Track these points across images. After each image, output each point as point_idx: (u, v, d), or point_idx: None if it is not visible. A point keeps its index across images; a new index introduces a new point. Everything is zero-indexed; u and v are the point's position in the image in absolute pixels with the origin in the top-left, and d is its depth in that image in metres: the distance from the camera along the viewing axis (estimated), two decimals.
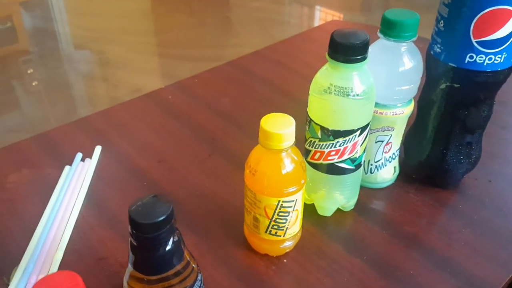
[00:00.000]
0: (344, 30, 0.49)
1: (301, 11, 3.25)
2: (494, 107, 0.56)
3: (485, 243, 0.55)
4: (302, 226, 0.54)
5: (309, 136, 0.53)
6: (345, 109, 0.50)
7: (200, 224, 0.57)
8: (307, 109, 0.53)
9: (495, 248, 0.54)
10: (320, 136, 0.52)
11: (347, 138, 0.51)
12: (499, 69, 0.51)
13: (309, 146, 0.54)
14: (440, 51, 0.53)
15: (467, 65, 0.51)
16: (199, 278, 0.43)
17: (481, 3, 0.48)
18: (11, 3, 3.05)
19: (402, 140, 0.61)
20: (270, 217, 0.49)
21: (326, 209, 0.58)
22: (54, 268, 0.51)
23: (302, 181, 0.49)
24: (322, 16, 3.11)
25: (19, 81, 2.30)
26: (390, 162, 0.60)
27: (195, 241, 0.54)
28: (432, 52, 0.55)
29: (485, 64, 0.51)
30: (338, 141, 0.51)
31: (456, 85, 0.53)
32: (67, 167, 0.64)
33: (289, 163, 0.47)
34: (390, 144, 0.59)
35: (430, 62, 0.55)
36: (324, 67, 0.51)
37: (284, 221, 0.50)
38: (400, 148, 0.61)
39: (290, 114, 0.47)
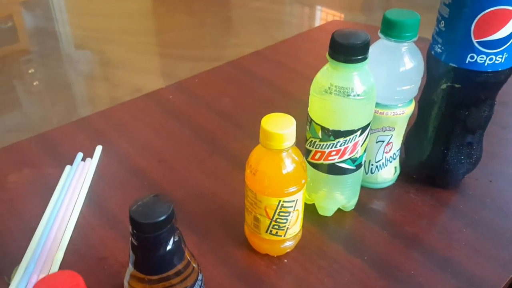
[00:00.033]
0: (344, 30, 0.49)
1: (301, 11, 3.25)
2: (495, 107, 0.56)
3: (485, 243, 0.55)
4: (303, 226, 0.54)
5: (309, 136, 0.53)
6: (346, 109, 0.50)
7: (201, 224, 0.57)
8: (308, 109, 0.53)
9: (495, 248, 0.54)
10: (320, 136, 0.52)
11: (347, 138, 0.51)
12: (500, 69, 0.51)
13: (309, 146, 0.54)
14: (441, 51, 0.53)
15: (468, 65, 0.51)
16: (199, 278, 0.43)
17: (481, 3, 0.48)
18: (11, 2, 3.05)
19: (402, 140, 0.61)
20: (271, 217, 0.49)
21: (327, 209, 0.58)
22: (55, 268, 0.51)
23: (303, 181, 0.49)
24: (323, 16, 3.11)
25: (19, 81, 2.30)
26: (390, 162, 0.60)
27: (195, 241, 0.54)
28: (432, 52, 0.55)
29: (486, 64, 0.51)
30: (338, 141, 0.51)
31: (457, 85, 0.53)
32: (67, 167, 0.64)
33: (289, 163, 0.47)
34: (391, 144, 0.59)
35: (431, 62, 0.55)
36: (324, 67, 0.51)
37: (284, 221, 0.50)
38: (400, 148, 0.61)
39: (290, 114, 0.47)
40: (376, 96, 0.51)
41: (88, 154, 0.67)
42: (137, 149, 0.69)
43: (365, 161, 0.59)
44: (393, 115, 0.56)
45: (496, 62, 0.50)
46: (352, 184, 0.56)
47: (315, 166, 0.54)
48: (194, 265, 0.43)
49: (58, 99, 2.15)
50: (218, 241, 0.55)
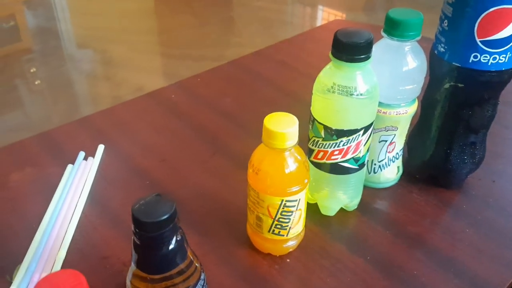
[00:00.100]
0: (348, 29, 0.49)
1: (303, 10, 3.25)
2: (498, 106, 0.56)
3: (489, 243, 0.55)
4: (305, 226, 0.54)
5: (312, 135, 0.53)
6: (349, 109, 0.49)
7: (203, 224, 0.57)
8: (311, 108, 0.53)
9: (499, 248, 0.54)
10: (323, 136, 0.51)
11: (350, 137, 0.51)
12: (503, 69, 0.51)
13: (312, 145, 0.54)
14: (444, 50, 0.53)
15: (471, 65, 0.51)
16: (202, 277, 0.43)
17: (485, 2, 0.48)
18: (14, 2, 3.05)
19: (405, 140, 0.61)
20: (273, 217, 0.49)
21: (329, 208, 0.58)
22: (57, 266, 0.51)
23: (306, 181, 0.49)
24: (325, 16, 3.11)
25: (21, 80, 2.30)
26: (393, 161, 0.60)
27: (198, 240, 0.54)
28: (436, 52, 0.54)
29: (489, 63, 0.50)
30: (341, 141, 0.51)
31: (460, 85, 0.53)
32: (69, 166, 0.64)
33: (292, 162, 0.47)
34: (394, 143, 0.59)
35: (434, 62, 0.55)
36: (327, 66, 0.51)
37: (287, 220, 0.50)
38: (403, 148, 0.61)
39: (293, 114, 0.47)
40: (379, 95, 0.51)
41: (90, 153, 0.67)
42: (139, 148, 0.69)
43: (368, 160, 0.58)
44: (396, 114, 0.56)
45: (500, 61, 0.50)
46: (354, 183, 0.56)
47: (318, 165, 0.54)
48: (196, 264, 0.43)
49: (60, 98, 2.16)
50: (221, 240, 0.55)
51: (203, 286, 0.43)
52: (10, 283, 0.49)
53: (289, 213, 0.49)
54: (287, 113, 0.47)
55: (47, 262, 0.51)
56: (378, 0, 3.36)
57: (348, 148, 0.51)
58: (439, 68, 0.54)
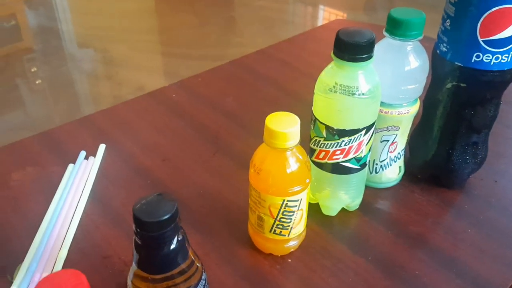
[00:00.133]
0: (349, 29, 0.49)
1: (304, 10, 3.25)
2: (501, 106, 0.56)
3: (491, 243, 0.54)
4: (307, 226, 0.54)
5: (314, 135, 0.53)
6: (351, 108, 0.49)
7: (204, 223, 0.57)
8: (312, 108, 0.53)
9: (501, 248, 0.54)
10: (325, 135, 0.51)
11: (352, 137, 0.51)
12: (506, 69, 0.51)
13: (314, 145, 0.53)
14: (446, 50, 0.53)
15: (474, 65, 0.51)
16: (203, 277, 0.43)
17: (488, 2, 0.48)
18: (15, 1, 3.05)
19: (407, 140, 0.60)
20: (275, 217, 0.49)
21: (331, 208, 0.57)
22: (58, 266, 0.51)
23: (307, 181, 0.49)
24: (326, 15, 3.11)
25: (23, 80, 2.30)
26: (395, 161, 0.60)
27: (199, 240, 0.54)
28: (438, 51, 0.54)
29: (491, 63, 0.50)
30: (343, 140, 0.51)
31: (462, 85, 0.53)
32: (70, 165, 0.64)
33: (294, 162, 0.47)
34: (396, 143, 0.59)
35: (436, 61, 0.55)
36: (329, 66, 0.50)
37: (288, 220, 0.49)
38: (405, 148, 0.61)
39: (294, 113, 0.47)
40: (381, 95, 0.51)
41: (91, 152, 0.67)
42: (141, 148, 0.69)
43: (369, 160, 0.58)
44: (398, 114, 0.56)
45: (502, 61, 0.50)
46: (356, 183, 0.56)
47: (320, 165, 0.54)
48: (197, 264, 0.43)
49: (61, 97, 2.16)
50: (222, 240, 0.55)
51: (204, 286, 0.43)
52: (11, 283, 0.49)
53: (291, 213, 0.49)
54: (289, 113, 0.47)
55: (48, 262, 0.51)
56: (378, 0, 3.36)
57: (350, 148, 0.51)
58: (441, 68, 0.54)
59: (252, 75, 0.88)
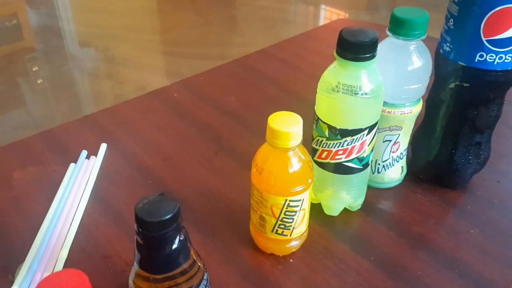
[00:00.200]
0: (352, 28, 0.48)
1: (306, 10, 3.24)
2: (504, 106, 0.56)
3: (493, 244, 0.54)
4: (309, 226, 0.53)
5: (316, 135, 0.53)
6: (353, 108, 0.49)
7: (206, 223, 0.57)
8: (315, 108, 0.52)
9: (503, 248, 0.54)
10: (327, 135, 0.51)
11: (354, 137, 0.50)
12: (509, 68, 0.50)
13: (316, 145, 0.53)
14: (449, 49, 0.52)
15: (477, 64, 0.51)
16: (205, 277, 0.43)
17: (491, 1, 0.47)
18: (16, 0, 3.05)
19: (410, 140, 0.60)
20: (277, 217, 0.49)
21: (333, 208, 0.57)
22: (60, 266, 0.51)
23: (309, 180, 0.48)
24: (327, 15, 3.11)
25: (24, 79, 2.30)
26: (397, 161, 0.60)
27: (201, 239, 0.54)
28: (441, 51, 0.54)
29: (495, 63, 0.50)
30: (345, 140, 0.51)
31: (465, 84, 0.53)
32: (72, 165, 0.64)
33: (296, 162, 0.47)
34: (398, 143, 0.58)
35: (439, 61, 0.55)
36: (332, 65, 0.50)
37: (290, 220, 0.49)
38: (408, 148, 0.61)
39: (296, 113, 0.47)
40: (384, 95, 0.50)
41: (93, 151, 0.67)
42: (142, 147, 0.69)
43: (372, 160, 0.58)
44: (401, 114, 0.55)
45: (506, 61, 0.50)
46: (358, 183, 0.56)
47: (322, 165, 0.54)
48: (199, 264, 0.42)
49: (63, 96, 2.16)
50: (224, 240, 0.55)
51: (206, 286, 0.43)
52: (12, 282, 0.49)
53: (293, 213, 0.49)
54: (291, 112, 0.47)
55: (49, 261, 0.51)
56: None
57: (352, 147, 0.51)
58: (444, 68, 0.54)
59: (254, 74, 0.88)
